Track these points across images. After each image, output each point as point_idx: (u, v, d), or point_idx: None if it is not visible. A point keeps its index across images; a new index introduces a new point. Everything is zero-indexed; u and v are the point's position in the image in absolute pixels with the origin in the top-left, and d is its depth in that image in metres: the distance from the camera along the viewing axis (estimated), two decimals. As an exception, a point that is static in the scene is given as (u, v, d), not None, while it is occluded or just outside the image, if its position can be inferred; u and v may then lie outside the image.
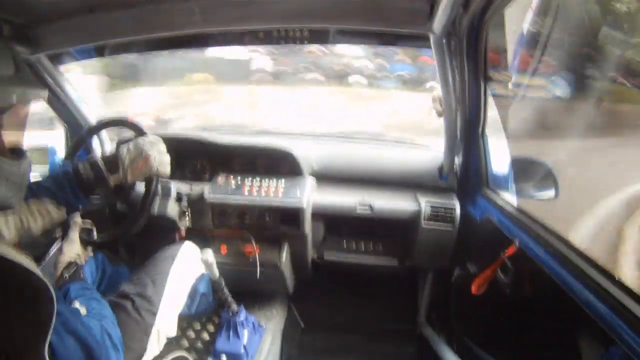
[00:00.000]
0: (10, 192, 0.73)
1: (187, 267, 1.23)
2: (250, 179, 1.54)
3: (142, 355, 1.01)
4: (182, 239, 1.37)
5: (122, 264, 1.31)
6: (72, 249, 0.98)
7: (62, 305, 0.69)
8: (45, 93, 0.85)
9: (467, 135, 1.38)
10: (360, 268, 1.66)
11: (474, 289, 1.15)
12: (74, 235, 1.01)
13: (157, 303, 1.08)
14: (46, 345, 0.59)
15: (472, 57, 1.17)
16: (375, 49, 3.55)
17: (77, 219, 1.04)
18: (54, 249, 1.22)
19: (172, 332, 1.13)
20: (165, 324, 1.09)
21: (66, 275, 0.93)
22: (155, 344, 1.05)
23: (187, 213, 1.46)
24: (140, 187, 1.15)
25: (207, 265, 1.22)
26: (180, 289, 1.19)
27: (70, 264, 0.96)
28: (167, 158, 1.08)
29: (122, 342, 0.87)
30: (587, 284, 0.80)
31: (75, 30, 1.19)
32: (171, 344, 1.15)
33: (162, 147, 1.08)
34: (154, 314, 1.06)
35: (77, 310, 0.79)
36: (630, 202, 1.44)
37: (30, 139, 0.87)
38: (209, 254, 1.21)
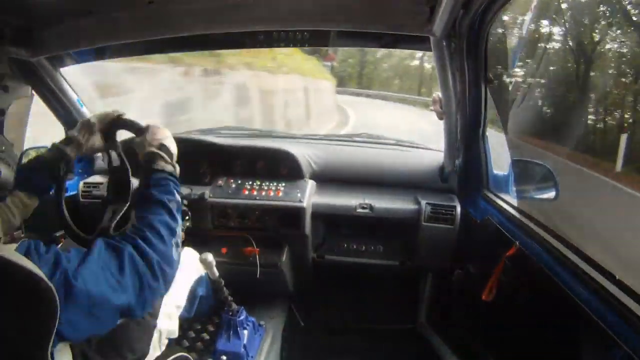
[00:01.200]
0: None
1: (186, 271, 1.23)
2: (250, 181, 1.54)
3: (145, 356, 1.01)
4: (186, 240, 1.37)
5: None
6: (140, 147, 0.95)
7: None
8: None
9: (468, 137, 1.39)
10: (360, 268, 1.66)
11: (484, 295, 1.14)
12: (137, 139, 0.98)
13: (157, 305, 1.07)
14: (49, 348, 0.59)
15: (473, 59, 1.17)
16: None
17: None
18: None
19: (174, 333, 1.13)
20: (166, 325, 1.09)
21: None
22: (157, 345, 1.05)
23: (188, 214, 1.46)
24: (136, 183, 1.14)
25: (207, 265, 1.22)
26: (180, 292, 1.19)
27: (146, 157, 0.92)
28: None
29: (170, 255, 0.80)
30: (587, 284, 0.80)
31: (75, 32, 1.19)
32: (172, 344, 1.16)
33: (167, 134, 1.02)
34: (155, 317, 1.05)
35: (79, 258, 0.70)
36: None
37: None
38: (208, 254, 1.21)
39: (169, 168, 0.92)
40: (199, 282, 1.28)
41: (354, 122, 10.36)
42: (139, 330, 1.00)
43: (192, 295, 1.25)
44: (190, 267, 1.25)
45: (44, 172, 0.99)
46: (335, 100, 13.10)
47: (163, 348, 1.09)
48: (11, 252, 0.58)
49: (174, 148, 0.97)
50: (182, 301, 1.19)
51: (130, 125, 1.03)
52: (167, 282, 0.79)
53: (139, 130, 1.00)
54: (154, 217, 0.81)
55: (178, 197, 0.89)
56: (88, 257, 0.68)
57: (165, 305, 1.09)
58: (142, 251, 0.74)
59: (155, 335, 1.04)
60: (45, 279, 0.58)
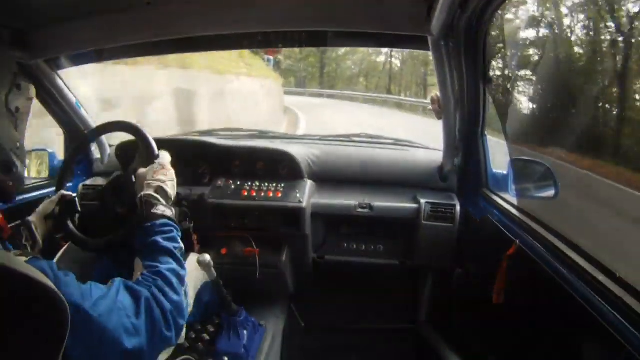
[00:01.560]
0: None
1: (192, 277, 1.23)
2: (249, 182, 1.54)
3: None
4: (199, 246, 1.36)
5: (127, 269, 1.31)
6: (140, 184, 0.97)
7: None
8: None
9: (467, 136, 1.39)
10: (360, 268, 1.66)
11: (495, 298, 1.14)
12: (141, 170, 1.00)
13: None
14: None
15: (471, 58, 1.17)
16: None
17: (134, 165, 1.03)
18: (58, 255, 1.22)
19: (181, 340, 1.13)
20: None
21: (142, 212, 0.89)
22: (165, 354, 1.05)
23: (187, 215, 1.46)
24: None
25: (204, 266, 1.22)
26: (188, 298, 1.19)
27: (142, 202, 0.92)
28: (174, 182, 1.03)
29: (181, 304, 0.79)
30: (588, 282, 0.80)
31: (73, 35, 1.20)
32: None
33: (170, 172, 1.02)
34: None
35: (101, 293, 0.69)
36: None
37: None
38: (206, 255, 1.21)
39: (168, 213, 0.91)
40: (205, 287, 1.28)
41: (304, 129, 9.38)
42: None
43: (198, 301, 1.25)
44: (197, 272, 1.24)
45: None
46: (282, 102, 12.53)
47: (168, 355, 1.08)
48: (21, 264, 0.57)
49: (172, 192, 0.97)
50: (189, 308, 1.19)
51: (143, 143, 1.04)
52: (178, 334, 0.79)
53: (150, 156, 1.01)
54: (163, 266, 0.81)
55: (182, 244, 0.90)
56: (108, 293, 0.68)
57: None
58: (157, 299, 0.74)
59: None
60: (56, 290, 0.56)
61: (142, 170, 0.98)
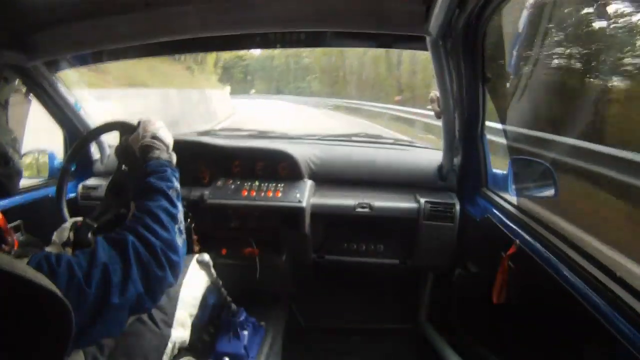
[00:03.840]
0: None
1: (197, 278, 1.23)
2: (249, 182, 1.54)
3: None
4: (199, 247, 1.36)
5: None
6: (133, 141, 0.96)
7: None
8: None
9: (466, 135, 1.39)
10: (360, 268, 1.66)
11: (495, 299, 1.14)
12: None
13: (172, 314, 1.06)
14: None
15: (469, 58, 1.17)
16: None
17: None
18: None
19: (186, 342, 1.13)
20: (180, 334, 1.07)
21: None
22: (170, 355, 1.05)
23: (188, 215, 1.46)
24: None
25: (203, 266, 1.22)
26: (193, 301, 1.17)
27: (141, 149, 0.93)
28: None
29: (172, 241, 0.78)
30: (588, 282, 0.80)
31: (72, 37, 1.20)
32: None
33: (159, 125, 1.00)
34: (170, 326, 1.04)
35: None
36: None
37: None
38: (205, 255, 1.21)
39: (164, 156, 0.92)
40: (210, 289, 1.27)
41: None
42: (154, 339, 0.98)
43: (204, 303, 1.25)
44: (201, 276, 1.24)
45: None
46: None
47: (172, 356, 1.08)
48: (25, 269, 0.56)
49: (168, 137, 0.97)
50: (195, 310, 1.18)
51: (121, 126, 1.04)
52: (174, 271, 0.77)
53: (131, 128, 1.00)
54: (153, 204, 0.80)
55: (177, 184, 0.88)
56: (96, 258, 0.67)
57: (179, 315, 1.08)
58: (144, 239, 0.73)
59: (170, 345, 1.03)
60: (60, 294, 0.56)
61: (132, 136, 0.97)
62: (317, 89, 21.81)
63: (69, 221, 1.10)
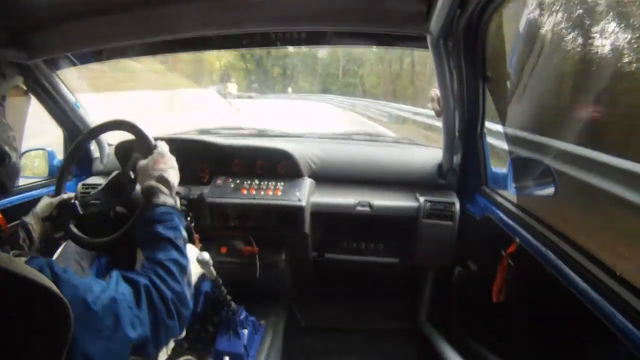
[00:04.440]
0: None
1: (190, 268, 1.23)
2: (249, 180, 1.54)
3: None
4: (200, 246, 1.36)
5: (125, 265, 1.31)
6: (142, 175, 0.93)
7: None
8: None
9: (466, 134, 1.39)
10: (360, 267, 1.66)
11: (495, 297, 1.14)
12: (142, 161, 0.95)
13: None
14: None
15: (470, 57, 1.17)
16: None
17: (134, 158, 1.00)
18: (57, 253, 1.22)
19: (181, 334, 1.13)
20: None
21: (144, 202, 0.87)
22: (164, 353, 1.05)
23: (189, 214, 1.46)
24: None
25: (204, 265, 1.22)
26: None
27: (145, 191, 0.90)
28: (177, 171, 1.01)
29: (183, 293, 0.78)
30: (588, 280, 0.80)
31: (72, 35, 1.19)
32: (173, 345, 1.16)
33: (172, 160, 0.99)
34: None
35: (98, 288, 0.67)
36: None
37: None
38: (205, 254, 1.21)
39: (170, 201, 0.89)
40: (202, 278, 1.28)
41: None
42: None
43: (197, 292, 1.25)
44: (193, 264, 1.25)
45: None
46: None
47: (169, 351, 1.08)
48: (24, 267, 0.56)
49: (175, 180, 0.94)
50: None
51: (139, 137, 1.01)
52: (182, 324, 0.77)
53: (147, 148, 0.98)
54: (163, 255, 0.79)
55: (184, 233, 0.88)
56: (108, 286, 0.67)
57: None
58: (157, 287, 0.73)
59: None
60: (59, 294, 0.56)
61: (142, 162, 0.95)
62: (372, 87, 16.98)
63: (57, 198, 1.09)
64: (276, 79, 22.47)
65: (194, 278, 1.25)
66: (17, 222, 1.03)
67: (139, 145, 1.01)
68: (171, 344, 1.09)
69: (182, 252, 0.83)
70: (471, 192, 1.48)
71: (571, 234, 0.96)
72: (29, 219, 1.01)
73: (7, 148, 0.76)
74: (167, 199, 0.89)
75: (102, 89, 7.88)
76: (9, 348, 0.53)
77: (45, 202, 1.06)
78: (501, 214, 1.23)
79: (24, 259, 0.62)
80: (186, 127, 2.06)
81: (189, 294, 0.79)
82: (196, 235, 1.34)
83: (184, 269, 0.81)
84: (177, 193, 1.41)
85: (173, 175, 0.94)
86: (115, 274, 0.72)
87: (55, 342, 0.56)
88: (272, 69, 22.25)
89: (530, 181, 1.32)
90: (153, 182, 0.90)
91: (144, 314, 0.69)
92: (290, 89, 21.15)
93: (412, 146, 1.85)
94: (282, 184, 1.53)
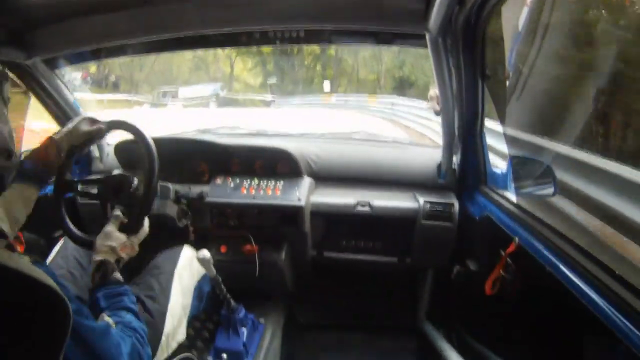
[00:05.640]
0: None
1: (190, 268, 1.23)
2: (248, 179, 1.54)
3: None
4: (195, 239, 1.38)
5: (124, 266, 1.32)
6: (106, 243, 0.94)
7: (90, 322, 0.67)
8: None
9: (465, 133, 1.39)
10: (360, 266, 1.67)
11: (487, 290, 1.14)
12: (111, 228, 0.97)
13: (165, 304, 1.07)
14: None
15: (469, 55, 1.17)
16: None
17: (118, 212, 1.01)
18: (55, 250, 1.22)
19: (182, 336, 1.13)
20: (174, 328, 1.08)
21: (97, 277, 0.89)
22: (165, 348, 1.05)
23: (188, 213, 1.46)
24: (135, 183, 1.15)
25: (204, 263, 1.22)
26: (186, 290, 1.19)
27: (102, 263, 0.91)
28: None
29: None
30: (588, 280, 0.80)
31: (71, 34, 1.19)
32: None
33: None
34: (164, 314, 1.06)
35: (105, 328, 0.74)
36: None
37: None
38: (205, 252, 1.21)
39: (121, 278, 0.92)
40: (204, 278, 1.28)
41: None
42: (148, 331, 0.99)
43: (199, 293, 1.26)
44: (194, 264, 1.25)
45: (41, 161, 0.97)
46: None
47: (170, 352, 1.09)
48: (23, 264, 0.57)
49: (127, 258, 0.98)
50: (189, 301, 1.19)
51: (141, 205, 1.04)
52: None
53: (135, 224, 1.02)
54: (135, 324, 0.84)
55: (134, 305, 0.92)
56: (101, 322, 0.74)
57: (172, 307, 1.09)
58: (138, 350, 0.78)
59: (163, 339, 1.04)
60: (59, 291, 0.57)
61: (116, 233, 0.97)
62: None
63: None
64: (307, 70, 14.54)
65: (195, 278, 1.26)
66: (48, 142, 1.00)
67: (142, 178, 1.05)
68: (174, 345, 1.10)
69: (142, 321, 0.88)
70: (470, 191, 1.48)
71: (571, 232, 0.96)
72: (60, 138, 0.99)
73: (12, 145, 0.77)
74: (120, 276, 0.92)
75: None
76: (8, 345, 0.53)
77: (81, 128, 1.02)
78: (500, 213, 1.23)
79: (27, 259, 0.62)
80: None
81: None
82: (191, 228, 1.35)
83: (146, 336, 0.86)
84: (177, 192, 1.43)
85: (126, 255, 0.98)
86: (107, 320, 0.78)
87: (55, 340, 0.56)
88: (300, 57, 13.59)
89: (530, 181, 1.32)
90: (110, 258, 0.93)
91: None
92: (327, 85, 13.19)
93: (412, 146, 1.85)
94: (281, 183, 1.53)
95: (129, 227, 1.01)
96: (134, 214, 1.03)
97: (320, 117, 9.00)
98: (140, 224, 1.03)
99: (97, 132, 1.04)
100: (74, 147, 1.01)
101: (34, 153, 0.97)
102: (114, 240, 0.95)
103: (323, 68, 14.91)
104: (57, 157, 0.98)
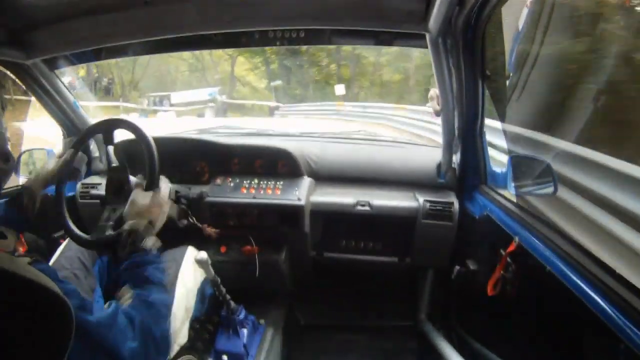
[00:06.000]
0: None
1: (193, 271, 1.23)
2: (248, 179, 1.54)
3: None
4: (210, 237, 1.40)
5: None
6: (133, 210, 0.96)
7: (93, 317, 0.67)
8: None
9: (465, 133, 1.39)
10: (360, 266, 1.66)
11: (489, 291, 1.14)
12: (134, 195, 1.00)
13: (170, 305, 1.08)
14: None
15: (469, 55, 1.17)
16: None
17: (137, 179, 1.04)
18: (58, 251, 1.22)
19: (183, 339, 1.13)
20: (176, 330, 1.08)
21: (126, 247, 0.91)
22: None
23: (188, 212, 1.46)
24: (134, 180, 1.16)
25: (202, 264, 1.22)
26: (189, 293, 1.19)
27: (129, 233, 0.92)
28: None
29: (168, 334, 0.85)
30: (588, 279, 0.80)
31: (71, 34, 1.19)
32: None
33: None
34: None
35: (110, 317, 0.73)
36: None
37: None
38: (203, 254, 1.21)
39: (158, 244, 0.94)
40: (207, 280, 1.28)
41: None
42: None
43: (202, 295, 1.26)
44: (197, 267, 1.25)
45: None
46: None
47: (172, 354, 1.09)
48: (26, 268, 0.56)
49: (161, 224, 1.01)
50: (192, 303, 1.20)
51: (149, 166, 1.05)
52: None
53: (150, 182, 1.03)
54: (155, 297, 0.84)
55: (167, 277, 0.94)
56: (107, 311, 0.73)
57: (176, 309, 1.09)
58: (149, 327, 0.79)
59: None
60: (61, 294, 0.56)
61: (140, 198, 0.99)
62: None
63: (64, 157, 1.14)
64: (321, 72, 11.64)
65: (198, 280, 1.26)
66: (20, 187, 1.05)
67: (142, 173, 1.05)
68: (176, 348, 1.10)
69: (168, 293, 0.90)
70: (470, 190, 1.48)
71: (571, 232, 0.96)
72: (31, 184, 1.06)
73: (8, 149, 0.79)
74: (155, 242, 0.94)
75: None
76: (11, 349, 0.53)
77: (47, 170, 1.10)
78: (500, 213, 1.23)
79: (27, 259, 0.62)
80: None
81: (170, 338, 0.87)
82: (212, 229, 1.37)
83: (170, 310, 0.87)
84: (177, 192, 1.43)
85: (161, 221, 1.01)
86: (114, 305, 0.78)
87: (58, 344, 0.56)
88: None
89: (530, 180, 1.32)
90: (144, 224, 0.95)
91: (136, 346, 0.74)
92: (341, 88, 10.23)
93: (411, 145, 1.85)
94: (281, 183, 1.53)
95: (148, 185, 1.03)
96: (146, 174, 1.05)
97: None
98: (154, 178, 1.04)
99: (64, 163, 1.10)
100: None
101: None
102: (139, 202, 0.98)
103: (337, 67, 12.18)
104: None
